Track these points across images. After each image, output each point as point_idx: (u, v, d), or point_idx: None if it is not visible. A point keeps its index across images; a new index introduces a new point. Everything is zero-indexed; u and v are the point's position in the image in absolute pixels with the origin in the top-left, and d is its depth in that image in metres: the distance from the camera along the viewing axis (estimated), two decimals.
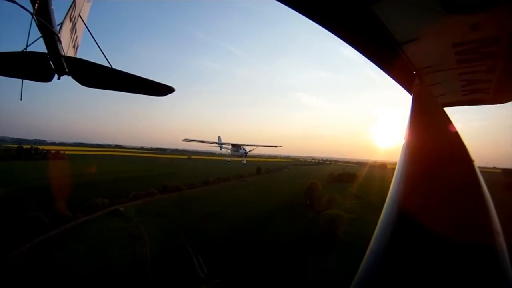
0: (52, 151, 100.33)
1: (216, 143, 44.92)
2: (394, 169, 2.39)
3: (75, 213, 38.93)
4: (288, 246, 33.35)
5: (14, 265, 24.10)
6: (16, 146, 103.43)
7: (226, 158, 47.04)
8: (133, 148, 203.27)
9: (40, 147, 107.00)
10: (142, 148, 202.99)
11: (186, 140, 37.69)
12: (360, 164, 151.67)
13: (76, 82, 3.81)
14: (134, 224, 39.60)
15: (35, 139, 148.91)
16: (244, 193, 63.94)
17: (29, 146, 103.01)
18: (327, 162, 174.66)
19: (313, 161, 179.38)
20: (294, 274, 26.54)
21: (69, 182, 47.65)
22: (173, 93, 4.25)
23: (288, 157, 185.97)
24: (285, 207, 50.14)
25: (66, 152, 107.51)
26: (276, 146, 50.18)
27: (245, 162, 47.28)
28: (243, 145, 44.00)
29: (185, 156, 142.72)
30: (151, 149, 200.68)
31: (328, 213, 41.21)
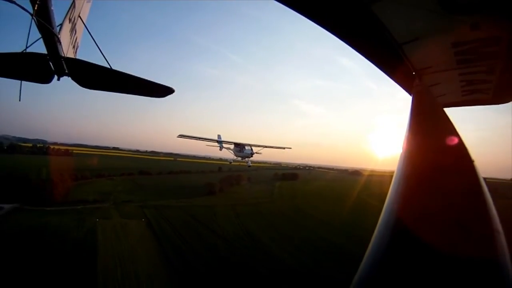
0: (62, 149, 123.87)
1: (215, 140, 40.08)
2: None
3: (92, 176, 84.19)
4: (189, 193, 73.79)
5: (68, 187, 67.57)
6: (31, 145, 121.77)
7: (229, 159, 42.40)
8: (129, 150, 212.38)
9: (51, 146, 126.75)
10: (137, 151, 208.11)
11: (181, 136, 34.87)
12: (338, 171, 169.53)
13: (76, 84, 3.79)
14: (118, 182, 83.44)
15: (37, 139, 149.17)
16: (192, 178, 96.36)
17: (41, 145, 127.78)
18: (307, 168, 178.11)
19: (294, 167, 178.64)
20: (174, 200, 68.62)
21: (82, 167, 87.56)
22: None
23: (279, 164, 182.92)
24: (209, 184, 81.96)
25: (70, 151, 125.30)
26: (284, 148, 45.67)
27: (250, 165, 42.84)
28: (248, 144, 39.02)
29: (172, 158, 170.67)
30: (146, 152, 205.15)
31: (208, 183, 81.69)
